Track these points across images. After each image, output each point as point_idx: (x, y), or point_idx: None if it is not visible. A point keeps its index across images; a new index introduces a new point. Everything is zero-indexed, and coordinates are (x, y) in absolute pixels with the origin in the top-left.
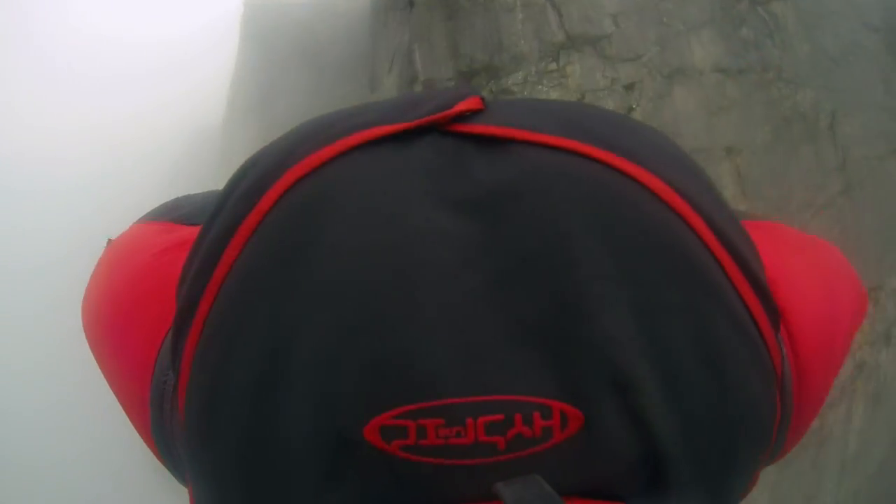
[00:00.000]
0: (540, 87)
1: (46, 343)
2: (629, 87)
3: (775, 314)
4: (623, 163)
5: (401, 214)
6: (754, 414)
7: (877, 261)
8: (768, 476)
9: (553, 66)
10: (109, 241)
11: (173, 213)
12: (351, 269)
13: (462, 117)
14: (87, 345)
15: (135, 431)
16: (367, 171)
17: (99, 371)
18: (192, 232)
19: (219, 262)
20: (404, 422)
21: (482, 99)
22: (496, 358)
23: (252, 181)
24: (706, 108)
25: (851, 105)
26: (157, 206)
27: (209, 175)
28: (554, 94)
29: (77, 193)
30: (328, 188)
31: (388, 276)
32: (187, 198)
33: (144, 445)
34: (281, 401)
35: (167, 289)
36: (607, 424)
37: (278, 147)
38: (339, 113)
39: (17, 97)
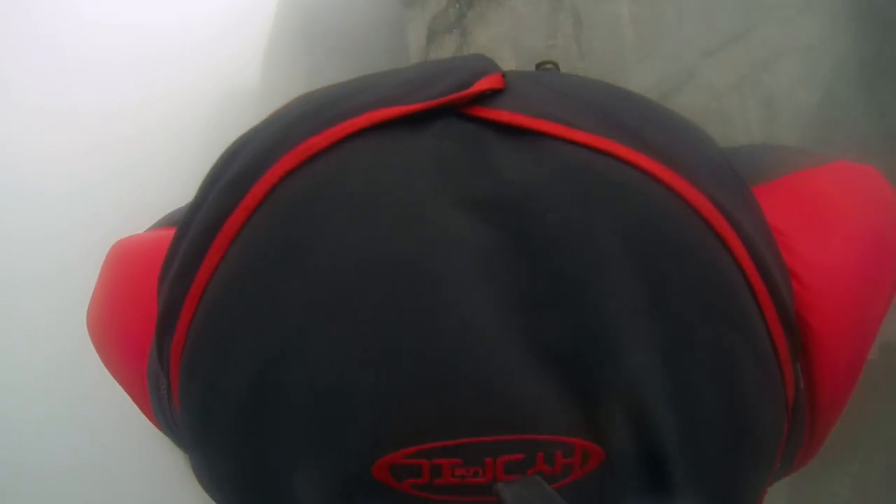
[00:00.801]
0: None
1: (62, 345)
2: None
3: (797, 344)
4: (667, 174)
5: (412, 217)
6: (765, 447)
7: None
8: None
9: None
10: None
11: (169, 220)
12: (351, 284)
13: (482, 98)
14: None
15: (144, 432)
16: (371, 163)
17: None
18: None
19: (200, 265)
20: (418, 461)
21: (503, 75)
22: (518, 392)
23: (237, 171)
24: None
25: None
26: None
27: None
28: None
29: (105, 180)
30: (325, 183)
31: (398, 292)
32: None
33: (157, 451)
34: (273, 432)
35: (152, 287)
36: (626, 461)
37: (269, 129)
38: (341, 87)
39: (35, 92)
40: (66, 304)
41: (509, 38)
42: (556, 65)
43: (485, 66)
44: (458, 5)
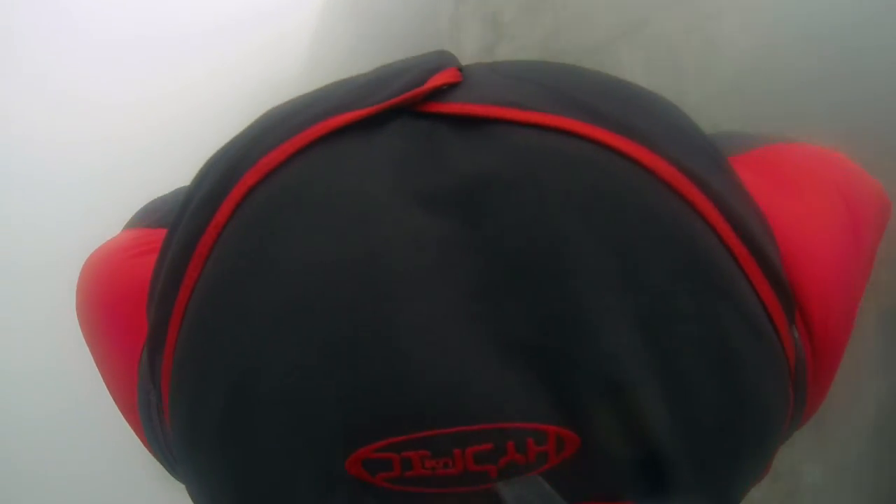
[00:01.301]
0: None
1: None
2: None
3: (791, 305)
4: (624, 142)
5: (367, 218)
6: (767, 415)
7: None
8: None
9: None
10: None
11: (151, 218)
12: (314, 287)
13: (437, 94)
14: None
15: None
16: (326, 170)
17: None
18: (161, 236)
19: (181, 284)
20: (387, 455)
21: (460, 69)
22: (484, 381)
23: (206, 191)
24: None
25: None
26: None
27: None
28: None
29: (145, 159)
30: (285, 194)
31: (357, 292)
32: (161, 199)
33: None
34: (253, 436)
35: (141, 294)
36: (606, 444)
37: (234, 147)
38: (300, 99)
39: (51, 75)
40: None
41: None
42: None
43: (440, 61)
44: None
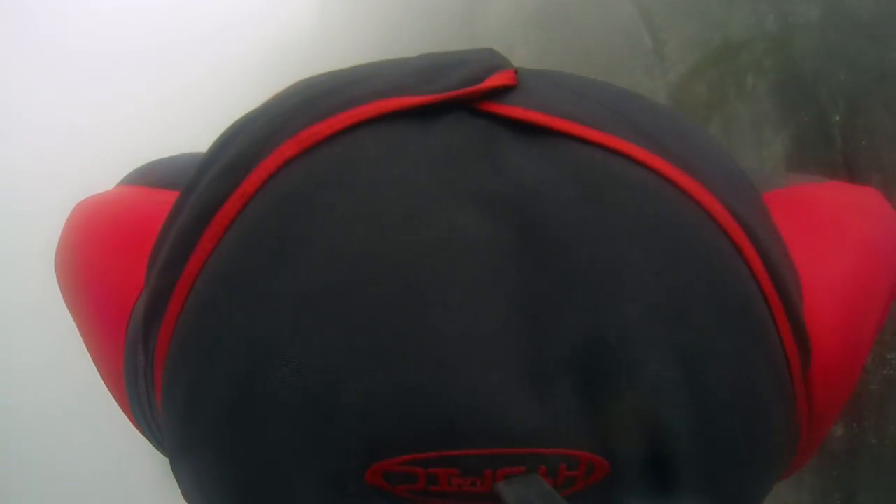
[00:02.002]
0: None
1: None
2: None
3: (808, 358)
4: (683, 178)
5: (417, 213)
6: (776, 459)
7: None
8: None
9: None
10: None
11: (148, 178)
12: (350, 280)
13: (495, 94)
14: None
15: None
16: (377, 155)
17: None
18: (169, 196)
19: (191, 255)
20: (413, 469)
21: (515, 72)
22: (522, 401)
23: (233, 156)
24: None
25: None
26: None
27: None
28: None
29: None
30: (326, 173)
31: (398, 291)
32: (159, 161)
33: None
34: (262, 435)
35: (137, 249)
36: (634, 474)
37: (268, 114)
38: (345, 73)
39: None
40: None
41: None
42: None
43: (497, 61)
44: None
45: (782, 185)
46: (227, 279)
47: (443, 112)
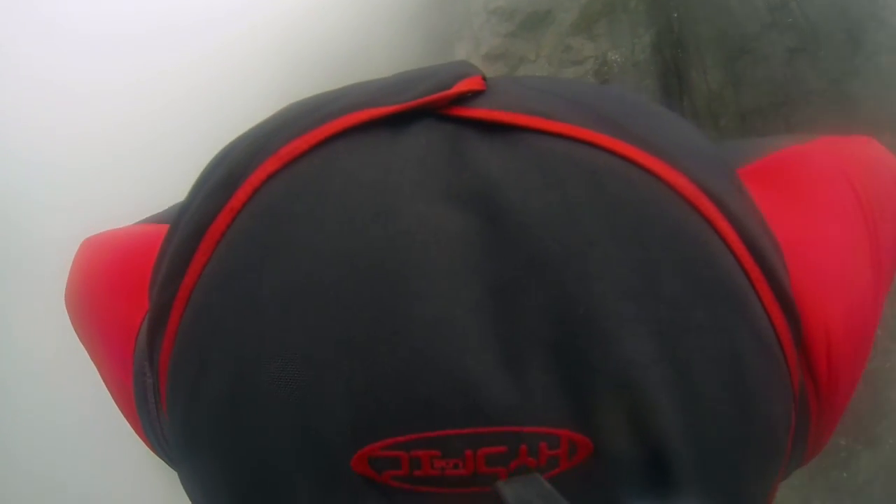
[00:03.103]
0: None
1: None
2: None
3: (798, 329)
4: (646, 157)
5: (388, 210)
6: (772, 434)
7: None
8: None
9: None
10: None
11: (152, 220)
12: (328, 275)
13: (462, 99)
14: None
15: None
16: (349, 162)
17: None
18: (164, 227)
19: (187, 269)
20: (396, 453)
21: (484, 78)
22: (501, 382)
23: (222, 175)
24: None
25: None
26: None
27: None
28: None
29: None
30: (305, 183)
31: (375, 284)
32: (166, 210)
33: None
34: (252, 427)
35: (142, 275)
36: (618, 451)
37: (253, 135)
38: (324, 94)
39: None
40: None
41: None
42: None
43: (466, 70)
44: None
45: (763, 154)
46: (218, 288)
47: (412, 120)
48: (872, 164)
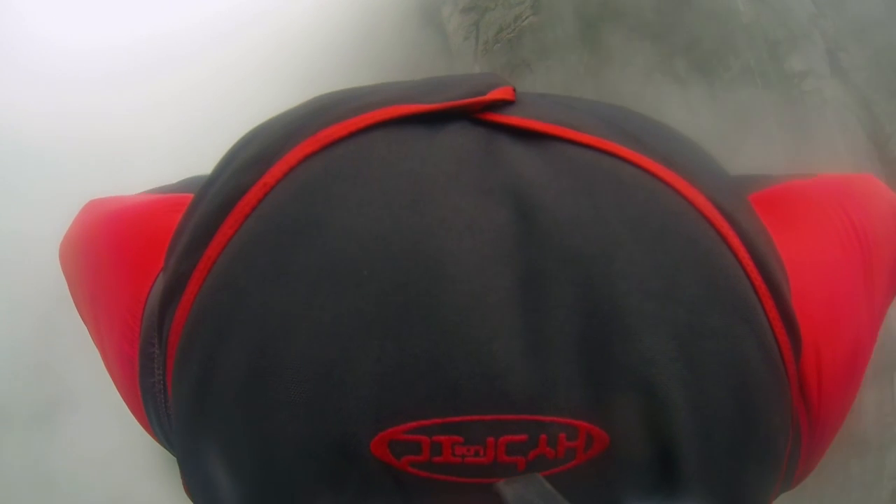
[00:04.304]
0: None
1: None
2: None
3: (798, 347)
4: (667, 173)
5: (423, 198)
6: (772, 444)
7: None
8: None
9: None
10: None
11: (158, 189)
12: (361, 256)
13: (494, 106)
14: None
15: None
16: (387, 151)
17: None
18: (183, 199)
19: (213, 238)
20: (417, 437)
21: (514, 90)
22: (525, 371)
23: (255, 152)
24: None
25: None
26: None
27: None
28: None
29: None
30: (342, 166)
31: (406, 266)
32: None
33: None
34: (273, 401)
35: (149, 241)
36: (632, 447)
37: (286, 119)
38: (357, 89)
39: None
40: None
41: None
42: None
43: (498, 80)
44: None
45: (769, 185)
46: (245, 260)
47: (447, 120)
48: (870, 198)
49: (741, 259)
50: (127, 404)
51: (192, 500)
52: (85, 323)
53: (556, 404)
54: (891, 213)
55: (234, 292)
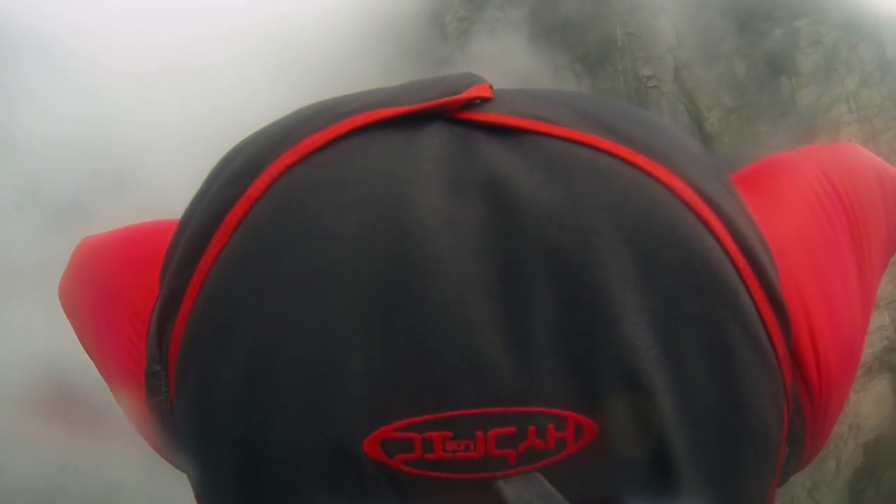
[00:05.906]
0: None
1: None
2: None
3: (788, 326)
4: (645, 161)
5: (402, 200)
6: (763, 428)
7: None
8: None
9: None
10: None
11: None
12: (344, 261)
13: (471, 105)
14: None
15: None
16: (365, 156)
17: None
18: (165, 221)
19: (203, 253)
20: (409, 434)
21: (491, 87)
22: (509, 363)
23: (239, 166)
24: None
25: None
26: None
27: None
28: None
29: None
30: (322, 174)
31: (389, 268)
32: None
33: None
34: (270, 406)
35: (147, 263)
36: (621, 435)
37: (269, 132)
38: (339, 97)
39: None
40: None
41: None
42: None
43: (474, 79)
44: None
45: (752, 161)
46: (235, 273)
47: (425, 121)
48: (856, 167)
49: (723, 242)
50: (139, 431)
51: None
52: (93, 360)
53: (542, 395)
54: (873, 175)
55: (226, 304)
